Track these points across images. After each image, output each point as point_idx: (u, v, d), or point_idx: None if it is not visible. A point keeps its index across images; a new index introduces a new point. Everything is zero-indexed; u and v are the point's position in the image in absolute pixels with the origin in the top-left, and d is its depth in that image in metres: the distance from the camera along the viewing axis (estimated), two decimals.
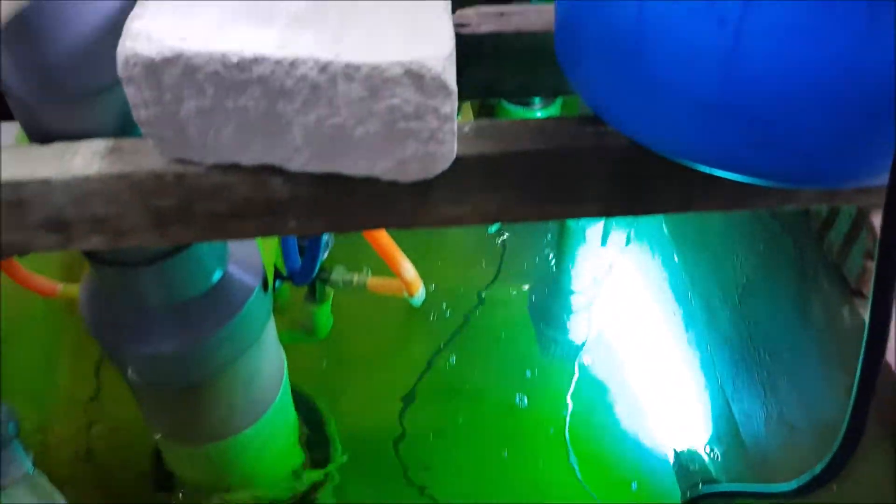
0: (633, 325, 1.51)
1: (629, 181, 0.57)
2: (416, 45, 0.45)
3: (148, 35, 0.44)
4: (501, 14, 0.67)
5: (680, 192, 0.58)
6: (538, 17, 0.68)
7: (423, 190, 0.54)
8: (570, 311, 1.55)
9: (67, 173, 0.52)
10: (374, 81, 0.44)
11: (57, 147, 0.53)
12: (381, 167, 0.49)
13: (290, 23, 0.46)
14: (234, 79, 0.45)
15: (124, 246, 0.56)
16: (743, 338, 0.91)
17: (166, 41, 0.44)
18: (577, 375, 1.56)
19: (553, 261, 1.61)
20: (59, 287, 1.32)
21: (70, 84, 0.54)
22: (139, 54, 0.44)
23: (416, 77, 0.44)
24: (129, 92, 0.46)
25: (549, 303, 1.58)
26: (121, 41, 0.44)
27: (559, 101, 1.68)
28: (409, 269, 1.23)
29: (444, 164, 0.49)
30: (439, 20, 0.47)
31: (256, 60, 0.44)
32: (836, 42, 0.36)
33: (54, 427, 1.45)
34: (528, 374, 1.58)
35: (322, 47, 0.45)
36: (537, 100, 1.63)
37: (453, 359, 1.60)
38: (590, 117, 0.55)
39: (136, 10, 0.46)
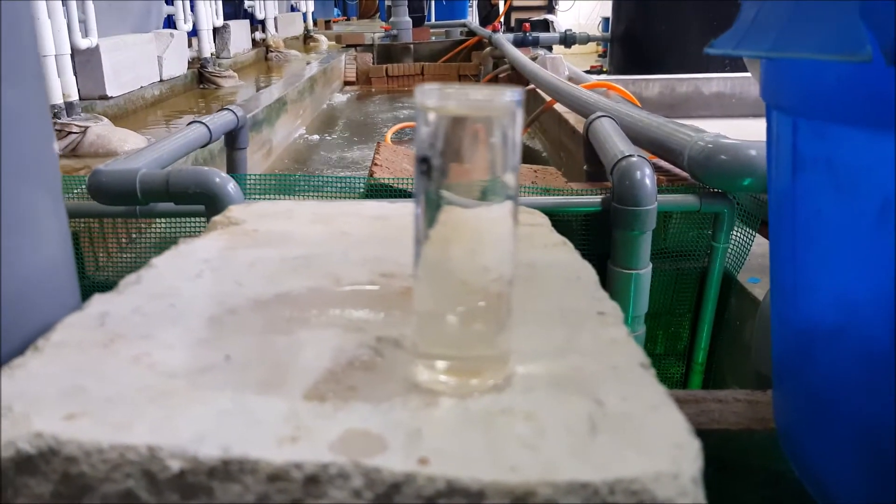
0: None
1: None
2: (613, 447, 0.19)
3: (9, 405, 0.20)
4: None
5: None
6: (729, 409, 0.42)
7: None
8: None
9: None
10: None
11: None
12: None
13: (324, 379, 0.21)
14: None
15: None
16: None
17: (37, 417, 0.19)
18: None
19: None
20: None
21: None
22: None
23: None
24: None
25: None
26: None
27: None
28: None
29: None
30: (644, 380, 0.22)
31: (226, 468, 0.18)
32: None
33: None
34: None
35: (388, 439, 0.19)
36: None
37: None
38: None
39: (23, 356, 0.23)
